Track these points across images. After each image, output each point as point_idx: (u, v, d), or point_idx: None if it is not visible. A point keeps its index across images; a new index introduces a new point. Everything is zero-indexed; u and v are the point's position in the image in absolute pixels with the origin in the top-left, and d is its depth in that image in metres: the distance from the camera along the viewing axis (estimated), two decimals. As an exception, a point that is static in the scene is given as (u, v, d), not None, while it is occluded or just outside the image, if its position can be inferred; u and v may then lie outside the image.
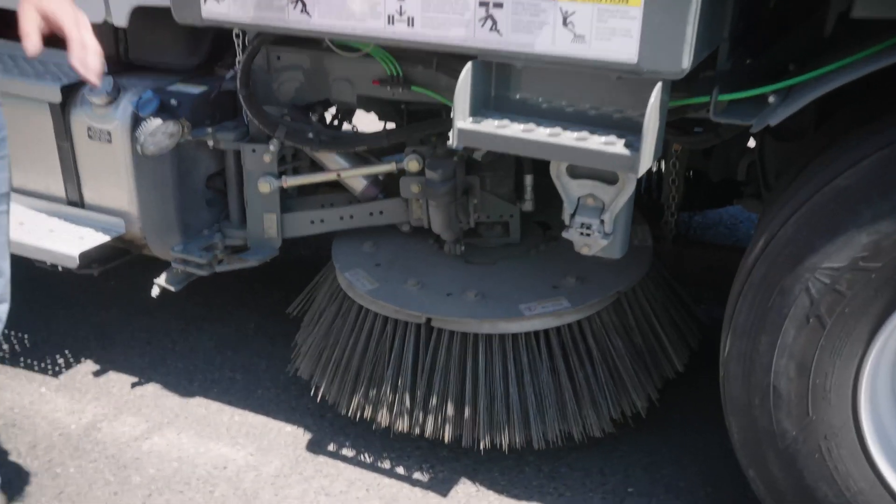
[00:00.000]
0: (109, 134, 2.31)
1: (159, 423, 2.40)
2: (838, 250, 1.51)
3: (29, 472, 2.21)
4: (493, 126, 1.65)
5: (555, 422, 2.12)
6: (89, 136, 2.36)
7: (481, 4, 1.60)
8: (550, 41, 1.56)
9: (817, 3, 1.65)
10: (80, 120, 2.35)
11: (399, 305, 2.17)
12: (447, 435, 2.13)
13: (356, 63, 2.17)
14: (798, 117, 1.62)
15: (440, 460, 2.25)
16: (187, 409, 2.46)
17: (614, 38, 1.49)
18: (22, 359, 2.70)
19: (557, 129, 1.62)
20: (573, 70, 1.61)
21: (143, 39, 2.44)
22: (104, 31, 2.40)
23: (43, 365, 2.67)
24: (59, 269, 2.38)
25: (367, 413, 2.21)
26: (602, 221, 1.73)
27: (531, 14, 1.56)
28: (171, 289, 2.40)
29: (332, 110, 2.77)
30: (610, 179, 1.70)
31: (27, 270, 2.36)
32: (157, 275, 2.42)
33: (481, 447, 2.11)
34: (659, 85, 1.50)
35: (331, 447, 2.31)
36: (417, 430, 2.16)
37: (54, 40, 2.53)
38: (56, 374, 2.62)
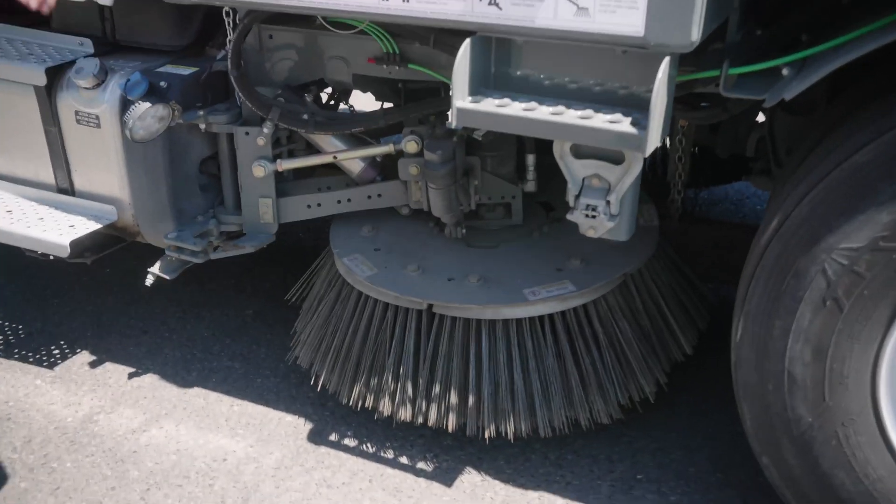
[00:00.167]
0: (97, 118, 2.24)
1: (157, 415, 2.35)
2: (857, 230, 1.44)
3: (24, 467, 2.16)
4: (493, 105, 1.58)
5: (561, 408, 2.07)
6: (77, 121, 2.29)
7: (479, -23, 1.52)
8: (552, 14, 1.49)
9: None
10: (66, 104, 2.27)
11: (399, 292, 2.11)
12: (451, 424, 2.08)
13: (351, 41, 2.10)
14: (810, 90, 1.54)
15: (444, 449, 2.20)
16: (185, 400, 2.41)
17: (619, 9, 1.42)
18: (17, 350, 2.65)
19: (560, 108, 1.55)
20: (576, 45, 1.53)
21: (130, 19, 2.36)
22: (89, 10, 2.33)
23: (38, 356, 2.62)
24: (51, 258, 2.32)
25: (369, 402, 2.16)
26: (608, 203, 1.66)
27: (532, -14, 1.48)
28: (166, 277, 2.35)
29: (329, 90, 2.70)
30: (616, 159, 1.63)
31: (20, 259, 2.30)
32: (153, 262, 2.37)
33: (486, 436, 2.06)
34: (667, 59, 1.43)
35: (332, 437, 2.26)
36: (420, 420, 2.11)
37: (39, 21, 2.49)
38: (51, 366, 2.57)
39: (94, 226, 2.32)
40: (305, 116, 2.20)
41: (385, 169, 2.37)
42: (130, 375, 2.52)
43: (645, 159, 1.63)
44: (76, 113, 2.27)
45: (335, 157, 2.30)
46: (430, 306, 2.09)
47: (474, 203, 2.28)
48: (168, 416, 2.35)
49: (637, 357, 2.13)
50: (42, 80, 2.26)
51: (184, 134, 2.32)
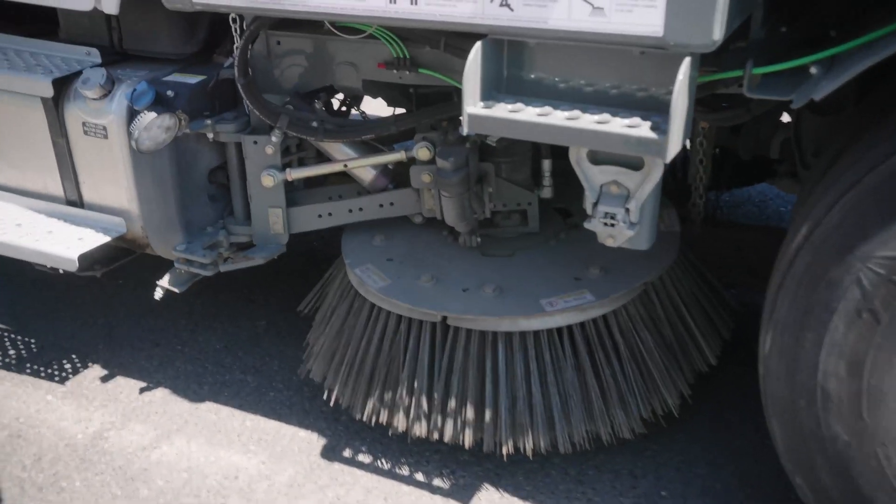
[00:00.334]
0: (105, 129, 2.20)
1: (168, 431, 2.30)
2: (895, 237, 1.36)
3: (34, 486, 2.13)
4: (505, 110, 1.51)
5: (581, 422, 2.00)
6: (85, 132, 2.25)
7: (490, -23, 1.46)
8: (566, 15, 1.42)
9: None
10: (74, 115, 2.24)
11: (413, 303, 2.05)
12: (467, 439, 2.02)
13: (360, 46, 2.04)
14: (839, 89, 1.46)
15: (461, 465, 2.13)
16: (197, 415, 2.37)
17: (637, 8, 1.35)
18: (28, 364, 2.62)
19: (576, 112, 1.48)
20: (592, 46, 1.46)
21: (137, 27, 2.32)
22: (96, 20, 2.30)
23: (49, 370, 2.59)
24: (61, 271, 2.28)
25: (383, 417, 2.10)
26: (627, 210, 1.59)
27: (544, -14, 1.42)
28: (175, 290, 2.31)
29: (340, 96, 2.65)
30: (635, 165, 1.56)
31: (31, 272, 2.27)
32: (164, 273, 2.33)
33: (504, 452, 1.99)
34: (687, 60, 1.36)
35: (346, 453, 2.20)
36: (436, 435, 2.05)
37: (46, 31, 2.46)
38: (62, 381, 2.54)
39: (102, 239, 2.28)
40: (315, 124, 2.15)
41: (397, 176, 2.31)
42: (142, 390, 2.48)
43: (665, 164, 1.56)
44: (84, 124, 2.23)
45: (346, 166, 2.24)
46: (445, 318, 2.03)
47: (488, 211, 2.21)
48: (179, 431, 2.30)
49: (659, 368, 2.06)
50: (49, 92, 2.22)
51: (192, 143, 2.28)
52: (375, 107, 2.54)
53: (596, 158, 1.58)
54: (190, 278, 2.33)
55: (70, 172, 2.34)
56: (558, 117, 1.48)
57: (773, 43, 1.54)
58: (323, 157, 2.31)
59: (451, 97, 2.13)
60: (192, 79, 2.23)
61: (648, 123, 1.42)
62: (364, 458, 2.18)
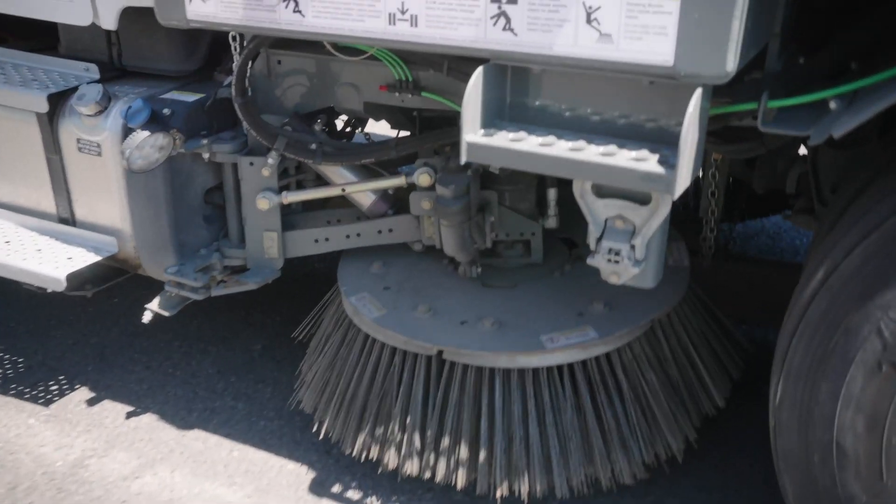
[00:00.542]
0: (99, 146, 2.15)
1: (152, 460, 2.22)
2: (919, 286, 1.27)
3: (8, 514, 2.05)
4: (506, 139, 1.44)
5: (580, 466, 1.90)
6: (79, 149, 2.20)
7: (493, 0, 1.39)
8: (572, 41, 1.35)
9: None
10: (68, 131, 2.19)
11: (408, 335, 1.97)
12: (460, 480, 1.92)
13: (362, 67, 1.98)
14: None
15: (454, 505, 2.04)
16: (183, 443, 2.28)
17: (646, 36, 1.28)
18: (14, 385, 2.54)
19: (581, 143, 1.41)
20: (599, 74, 1.39)
21: (136, 43, 2.28)
22: (95, 35, 2.26)
23: (35, 392, 2.51)
24: (48, 290, 2.22)
25: (374, 453, 2.01)
26: (633, 247, 1.51)
27: (549, 10, 1.36)
28: (165, 314, 2.23)
29: (344, 118, 2.59)
30: (642, 199, 1.48)
31: (25, 288, 2.21)
32: (159, 293, 2.25)
33: (498, 495, 1.90)
34: (699, 91, 1.29)
35: (335, 488, 2.11)
36: (428, 474, 1.95)
37: (47, 45, 2.42)
38: (48, 403, 2.46)
39: (92, 258, 2.22)
40: (313, 146, 2.08)
41: (397, 202, 2.24)
42: (128, 415, 2.40)
43: (674, 198, 1.48)
44: (78, 140, 2.18)
45: (343, 190, 2.17)
46: (441, 352, 1.94)
47: (490, 241, 2.13)
48: (164, 460, 2.22)
49: (664, 411, 1.96)
50: (44, 107, 2.18)
51: (187, 163, 2.22)
52: (383, 129, 2.47)
53: (601, 191, 1.51)
54: (180, 302, 2.26)
55: (63, 189, 2.28)
56: (561, 148, 1.40)
57: (790, 75, 1.47)
58: (322, 181, 2.24)
59: (456, 122, 2.06)
60: (190, 97, 2.18)
61: (656, 157, 1.35)
62: (354, 494, 2.09)
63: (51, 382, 2.55)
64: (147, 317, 2.21)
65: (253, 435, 2.31)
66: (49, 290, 2.21)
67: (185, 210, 2.26)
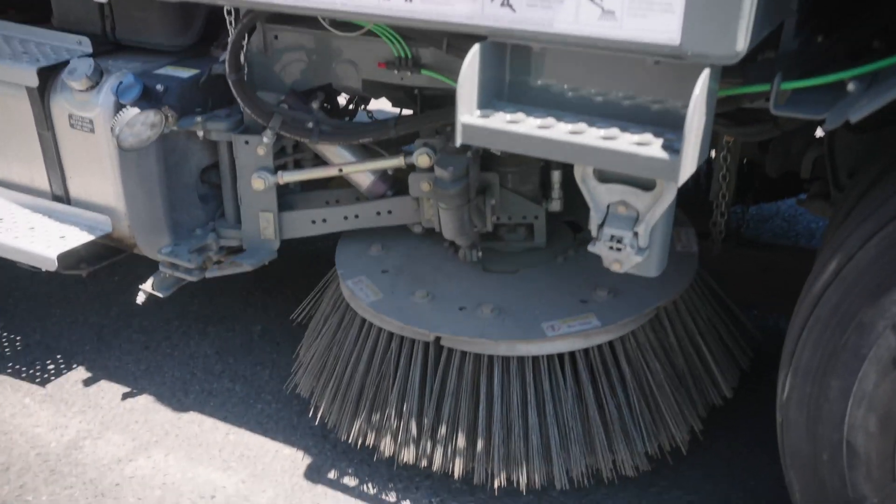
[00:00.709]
0: (91, 122, 2.09)
1: (146, 443, 2.19)
2: (938, 281, 1.20)
3: (-1, 497, 2.03)
4: (503, 121, 1.37)
5: (581, 457, 1.85)
6: (71, 125, 2.14)
7: (491, -26, 1.32)
8: (573, 18, 1.27)
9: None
10: (60, 106, 2.13)
11: (405, 321, 1.91)
12: (457, 469, 1.88)
13: (360, 43, 1.91)
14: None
15: (452, 494, 1.99)
16: (178, 426, 2.25)
17: (651, 13, 1.20)
18: (11, 364, 2.52)
19: (581, 126, 1.33)
20: (601, 53, 1.31)
21: (130, 16, 2.22)
22: (88, 7, 2.19)
23: (32, 371, 2.49)
24: (42, 270, 2.18)
25: (370, 440, 1.97)
26: (636, 234, 1.44)
27: (550, -16, 1.27)
28: (159, 295, 2.19)
29: (345, 95, 2.51)
30: (645, 185, 1.40)
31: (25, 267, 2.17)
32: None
33: (496, 484, 1.85)
34: (706, 71, 1.21)
35: (331, 474, 2.07)
36: (424, 462, 1.91)
37: (41, 17, 2.35)
38: (44, 382, 2.43)
39: (86, 237, 2.18)
40: (310, 125, 2.02)
41: (397, 183, 2.17)
42: (124, 396, 2.37)
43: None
44: (70, 116, 2.13)
45: (341, 170, 2.11)
46: (438, 338, 1.89)
47: (490, 224, 2.06)
48: (158, 443, 2.19)
49: (669, 402, 1.90)
50: (34, 81, 2.12)
51: (182, 141, 2.16)
52: (389, 107, 2.40)
53: (603, 176, 1.44)
54: (175, 283, 2.22)
55: (56, 166, 2.23)
56: (560, 131, 1.33)
57: (806, 55, 1.38)
58: (320, 160, 2.18)
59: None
60: (184, 73, 2.12)
61: (660, 141, 1.27)
62: (350, 480, 2.05)
63: (48, 361, 2.53)
64: (140, 297, 2.17)
65: (249, 419, 2.28)
66: (43, 270, 2.17)
67: (180, 189, 2.20)
